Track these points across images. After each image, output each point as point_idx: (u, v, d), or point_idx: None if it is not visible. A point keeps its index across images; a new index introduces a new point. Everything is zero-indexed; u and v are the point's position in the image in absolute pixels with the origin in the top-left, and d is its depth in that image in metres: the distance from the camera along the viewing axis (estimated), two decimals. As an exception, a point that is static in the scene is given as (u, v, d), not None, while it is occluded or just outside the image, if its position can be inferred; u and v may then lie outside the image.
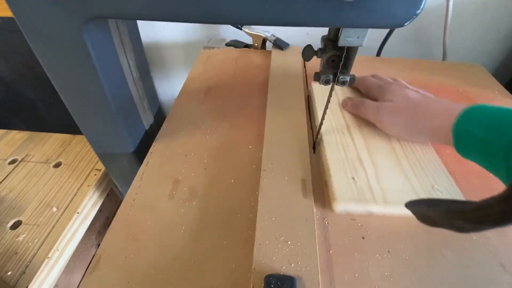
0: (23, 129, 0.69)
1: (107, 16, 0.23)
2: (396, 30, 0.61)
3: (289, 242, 0.27)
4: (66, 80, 0.29)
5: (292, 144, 0.37)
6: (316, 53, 0.30)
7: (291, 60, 0.56)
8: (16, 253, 0.46)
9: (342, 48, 0.28)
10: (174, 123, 0.42)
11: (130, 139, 0.36)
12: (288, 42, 0.59)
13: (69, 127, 0.80)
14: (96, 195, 0.58)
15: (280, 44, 0.58)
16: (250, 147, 0.39)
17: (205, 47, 0.61)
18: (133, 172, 0.37)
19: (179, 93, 0.48)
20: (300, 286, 0.24)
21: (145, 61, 0.39)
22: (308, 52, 0.30)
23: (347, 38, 0.25)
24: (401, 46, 0.65)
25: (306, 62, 0.57)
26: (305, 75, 0.53)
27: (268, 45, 0.62)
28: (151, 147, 0.38)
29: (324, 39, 0.30)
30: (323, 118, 0.35)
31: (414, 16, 0.22)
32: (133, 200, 0.31)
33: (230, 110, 0.45)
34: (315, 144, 0.38)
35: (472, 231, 0.16)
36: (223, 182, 0.34)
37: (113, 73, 0.31)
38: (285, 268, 0.25)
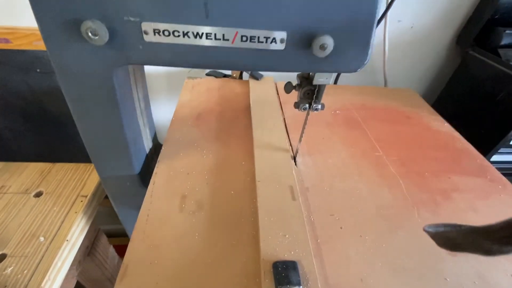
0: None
1: (139, 63, 0.29)
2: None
3: (287, 236, 0.34)
4: (89, 113, 0.33)
5: (278, 158, 0.45)
6: (294, 87, 0.39)
7: (266, 88, 0.65)
8: (5, 286, 0.45)
9: (315, 84, 0.37)
10: (172, 146, 0.47)
11: (136, 163, 0.41)
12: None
13: (41, 156, 0.79)
14: (83, 221, 0.59)
15: (255, 75, 0.67)
16: (243, 163, 0.45)
17: (189, 77, 0.68)
18: (135, 192, 0.41)
19: (172, 119, 0.53)
20: (300, 267, 0.30)
21: (147, 93, 0.44)
22: (288, 87, 0.39)
23: (319, 79, 0.34)
24: (352, 75, 0.80)
25: (279, 90, 0.66)
26: (279, 101, 0.63)
27: (245, 75, 0.71)
28: (155, 168, 0.42)
29: (300, 76, 0.40)
30: (301, 136, 0.44)
31: (363, 65, 0.32)
32: (147, 215, 0.36)
33: (220, 132, 0.51)
34: (295, 158, 0.47)
35: (500, 253, 0.14)
36: (225, 193, 0.40)
37: (129, 106, 0.36)
38: (286, 255, 0.32)
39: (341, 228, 0.37)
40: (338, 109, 0.62)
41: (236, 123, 0.54)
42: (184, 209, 0.37)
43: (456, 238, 0.16)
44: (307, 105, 0.38)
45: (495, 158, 0.65)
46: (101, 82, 0.30)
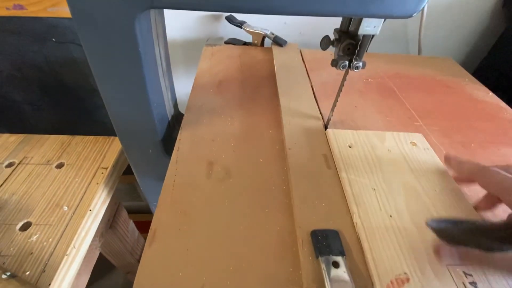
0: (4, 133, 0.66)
1: (163, 6, 0.25)
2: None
3: (324, 204, 0.31)
4: (110, 68, 0.30)
5: (308, 126, 0.41)
6: (332, 42, 0.35)
7: (290, 55, 0.60)
8: (32, 253, 0.45)
9: (357, 37, 0.33)
10: (194, 113, 0.44)
11: (159, 128, 0.38)
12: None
13: (58, 130, 0.78)
14: (105, 192, 0.58)
15: (279, 41, 0.63)
16: (270, 131, 0.42)
17: (208, 45, 0.64)
18: (157, 161, 0.39)
19: (193, 86, 0.50)
20: (341, 237, 0.28)
21: (168, 53, 0.41)
22: (325, 42, 0.35)
23: (366, 27, 0.29)
24: (382, 44, 0.73)
25: (304, 57, 0.62)
26: (305, 68, 0.58)
27: (266, 42, 0.66)
28: (179, 135, 0.40)
29: (338, 31, 0.35)
30: (336, 100, 0.40)
31: (420, 9, 0.27)
32: (174, 181, 0.34)
33: (244, 100, 0.48)
34: (326, 126, 0.43)
35: (500, 250, 0.15)
36: (253, 161, 0.37)
37: (151, 63, 0.33)
38: (324, 224, 0.29)
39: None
40: (370, 77, 0.57)
41: (260, 90, 0.51)
42: (211, 176, 0.35)
43: (458, 235, 0.16)
44: (346, 63, 0.34)
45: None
46: (123, 30, 0.27)
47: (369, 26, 0.29)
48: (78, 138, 0.67)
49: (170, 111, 0.44)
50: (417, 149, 0.38)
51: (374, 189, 0.32)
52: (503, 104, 0.53)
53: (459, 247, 0.16)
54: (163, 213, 0.30)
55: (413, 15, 0.27)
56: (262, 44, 0.66)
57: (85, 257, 0.57)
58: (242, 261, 0.27)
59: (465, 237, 0.16)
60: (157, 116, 0.37)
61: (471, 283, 0.24)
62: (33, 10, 0.62)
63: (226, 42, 0.68)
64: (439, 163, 0.37)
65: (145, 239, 1.01)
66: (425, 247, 0.27)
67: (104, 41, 0.28)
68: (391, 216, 0.29)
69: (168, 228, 0.29)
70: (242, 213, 0.31)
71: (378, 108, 0.48)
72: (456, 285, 0.24)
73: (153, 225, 0.29)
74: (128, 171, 0.62)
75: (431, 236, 0.26)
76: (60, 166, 0.60)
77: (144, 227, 0.96)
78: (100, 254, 0.73)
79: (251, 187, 0.34)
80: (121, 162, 0.65)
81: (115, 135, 0.66)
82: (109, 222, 0.73)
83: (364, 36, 0.31)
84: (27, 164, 0.60)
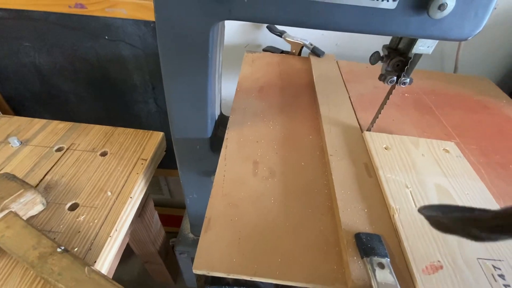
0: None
1: (238, 18, 0.28)
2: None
3: (366, 210, 0.33)
4: (179, 69, 0.33)
5: (349, 135, 0.43)
6: (382, 58, 0.37)
7: (329, 66, 0.63)
8: (79, 232, 0.49)
9: (407, 54, 0.35)
10: (239, 115, 0.47)
11: (210, 126, 0.41)
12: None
13: (99, 121, 0.84)
14: (143, 182, 0.62)
15: (317, 52, 0.65)
16: (310, 137, 0.44)
17: (248, 51, 0.67)
18: (202, 156, 0.42)
19: (237, 89, 0.53)
20: (384, 241, 0.29)
21: (222, 58, 0.44)
22: (374, 57, 0.37)
23: (420, 47, 0.31)
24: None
25: (341, 69, 0.63)
26: (342, 79, 0.60)
27: (303, 52, 0.69)
28: (226, 134, 0.43)
29: (386, 47, 0.37)
30: (379, 112, 0.42)
31: (476, 32, 0.29)
32: (224, 176, 0.36)
33: (284, 106, 0.51)
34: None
35: (489, 240, 0.15)
36: (295, 164, 0.39)
37: (214, 67, 0.36)
38: (367, 228, 0.31)
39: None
40: (406, 92, 0.58)
41: (299, 98, 0.53)
42: (257, 174, 0.37)
43: (448, 223, 0.16)
44: (394, 78, 0.36)
45: None
46: (198, 37, 0.30)
47: (423, 46, 0.31)
48: (120, 129, 0.71)
49: (217, 112, 0.47)
50: (450, 156, 0.40)
51: (409, 188, 0.34)
52: (542, 128, 0.52)
53: (450, 235, 0.16)
54: (216, 204, 0.33)
55: (469, 38, 0.29)
56: (300, 53, 0.69)
57: (121, 242, 0.61)
58: (289, 255, 0.29)
59: (455, 226, 0.16)
60: (209, 115, 0.40)
61: (499, 275, 0.26)
62: (92, 10, 0.67)
63: (265, 50, 0.71)
64: (471, 170, 0.38)
65: (165, 231, 1.05)
66: (457, 241, 0.29)
67: (180, 45, 0.31)
68: None
69: (221, 217, 0.32)
70: (287, 211, 0.33)
71: (415, 123, 0.49)
72: (486, 276, 0.26)
73: (207, 214, 0.32)
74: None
75: None
76: (104, 154, 0.64)
77: (163, 220, 1.00)
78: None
79: (294, 188, 0.36)
80: (158, 155, 0.69)
81: (148, 129, 0.70)
82: (139, 211, 0.77)
83: (415, 54, 0.33)
84: (74, 150, 0.65)
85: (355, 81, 0.59)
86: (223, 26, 0.39)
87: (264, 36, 0.74)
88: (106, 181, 0.58)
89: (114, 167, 0.61)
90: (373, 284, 0.25)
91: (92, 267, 0.41)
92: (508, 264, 0.28)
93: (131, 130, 0.72)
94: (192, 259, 0.87)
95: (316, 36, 0.72)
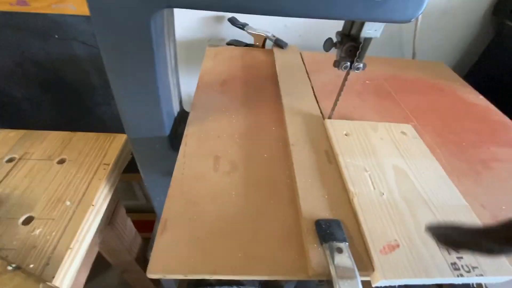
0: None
1: (179, 6, 0.27)
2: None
3: (326, 197, 0.33)
4: (123, 64, 0.31)
5: (310, 124, 0.43)
6: (334, 44, 0.37)
7: (291, 57, 0.62)
8: (35, 246, 0.46)
9: (358, 40, 0.35)
10: (200, 110, 0.46)
11: (167, 124, 0.40)
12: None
13: (57, 127, 0.78)
14: (107, 188, 0.58)
15: (280, 43, 0.65)
16: (273, 128, 0.44)
17: (210, 45, 0.66)
18: (163, 156, 0.40)
19: (198, 84, 0.51)
20: (343, 226, 0.29)
21: (176, 52, 0.42)
22: (328, 44, 0.37)
23: (367, 31, 0.31)
24: (379, 48, 0.76)
25: (304, 60, 0.64)
26: (306, 70, 0.60)
27: (267, 44, 0.68)
28: (185, 130, 0.41)
29: (340, 33, 0.37)
30: (337, 99, 0.42)
31: (419, 13, 0.29)
32: (182, 174, 0.35)
33: (247, 99, 0.50)
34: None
35: (501, 253, 0.14)
36: (258, 157, 0.39)
37: (162, 60, 0.34)
38: (328, 214, 0.31)
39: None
40: (367, 79, 0.59)
41: (262, 90, 0.53)
42: (218, 169, 0.36)
43: (458, 239, 0.16)
44: (348, 64, 0.36)
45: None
46: (139, 28, 0.28)
47: (370, 30, 0.31)
48: (79, 134, 0.67)
49: (176, 108, 0.45)
50: (407, 138, 0.41)
51: (368, 171, 0.35)
52: (492, 107, 0.56)
53: (460, 250, 0.16)
54: (174, 204, 0.31)
55: (412, 20, 0.29)
56: (263, 46, 0.68)
57: (85, 253, 0.58)
58: (251, 249, 0.28)
59: (465, 240, 0.16)
60: (165, 112, 0.38)
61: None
62: (36, 6, 0.62)
63: (228, 43, 0.70)
64: (427, 150, 0.40)
65: (142, 238, 1.01)
66: (414, 220, 0.30)
67: (120, 37, 0.29)
68: (383, 194, 0.33)
69: (179, 217, 0.30)
70: (248, 204, 0.32)
71: (376, 109, 0.50)
72: (440, 250, 0.27)
73: (164, 215, 0.30)
74: (126, 170, 0.63)
75: (420, 210, 0.31)
76: (61, 162, 0.60)
77: (140, 226, 0.96)
78: (97, 254, 0.73)
79: (256, 181, 0.35)
80: (122, 159, 0.66)
81: (114, 133, 0.67)
82: (108, 219, 0.73)
83: (365, 39, 0.34)
84: (28, 159, 0.60)
85: (318, 71, 0.59)
86: (171, 16, 0.37)
87: (227, 29, 0.73)
88: (64, 190, 0.55)
89: (74, 175, 0.57)
90: (331, 269, 0.25)
91: (48, 283, 0.38)
92: None
93: (92, 134, 0.68)
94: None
95: (278, 28, 0.72)
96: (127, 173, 0.60)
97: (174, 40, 0.40)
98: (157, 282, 1.17)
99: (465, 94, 0.59)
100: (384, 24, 0.31)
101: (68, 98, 0.80)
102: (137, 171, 0.64)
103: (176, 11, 0.48)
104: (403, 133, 0.42)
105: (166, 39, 0.35)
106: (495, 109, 0.55)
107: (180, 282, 1.15)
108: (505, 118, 0.53)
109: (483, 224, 0.15)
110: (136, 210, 1.26)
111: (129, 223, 0.88)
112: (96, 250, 0.69)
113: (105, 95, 0.80)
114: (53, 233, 0.47)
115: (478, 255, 0.16)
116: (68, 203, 0.52)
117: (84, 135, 0.67)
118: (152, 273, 0.26)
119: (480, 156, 0.44)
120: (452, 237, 0.17)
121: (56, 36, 0.67)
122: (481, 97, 0.58)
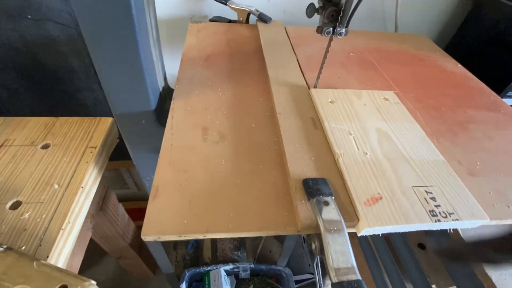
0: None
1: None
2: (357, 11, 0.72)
3: (313, 159, 0.34)
4: (103, 33, 0.30)
5: (296, 94, 0.44)
6: (317, 10, 0.37)
7: (275, 31, 0.62)
8: (25, 230, 0.45)
9: (340, 4, 0.35)
10: (185, 84, 0.45)
11: (152, 98, 0.39)
12: (270, 17, 0.65)
13: (37, 114, 0.76)
14: (95, 171, 0.58)
15: (264, 18, 0.64)
16: (260, 100, 0.44)
17: (193, 22, 0.64)
18: (150, 132, 0.40)
19: (182, 60, 0.51)
20: (329, 183, 0.31)
21: (157, 24, 0.41)
22: (310, 9, 0.37)
23: (348, -8, 0.32)
24: (362, 22, 0.77)
25: (289, 34, 0.63)
26: (290, 43, 0.60)
27: (251, 20, 0.67)
28: (172, 104, 0.41)
29: (322, -1, 0.37)
30: (321, 67, 0.42)
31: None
32: (171, 144, 0.35)
33: (233, 73, 0.50)
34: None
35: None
36: (245, 126, 0.39)
37: (143, 29, 0.33)
38: (314, 174, 0.32)
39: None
40: (351, 51, 0.60)
41: (248, 64, 0.52)
42: (207, 139, 0.36)
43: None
44: (331, 29, 0.37)
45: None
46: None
47: (351, -9, 0.32)
48: (62, 119, 0.65)
49: (161, 83, 0.45)
50: (389, 103, 0.43)
51: (352, 134, 0.37)
52: (469, 74, 0.58)
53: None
54: (164, 172, 0.32)
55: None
56: (247, 21, 0.67)
57: (78, 238, 0.58)
58: (242, 208, 0.29)
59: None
60: (149, 84, 0.38)
61: (431, 198, 0.30)
62: (4, -16, 0.58)
63: (211, 20, 0.68)
64: (408, 114, 0.42)
65: (135, 225, 1.01)
66: (395, 175, 0.32)
67: (97, 4, 0.28)
68: (366, 154, 0.34)
69: (169, 184, 0.31)
70: (239, 170, 0.33)
71: (359, 78, 0.51)
72: (419, 200, 0.30)
73: (154, 183, 0.31)
74: (114, 157, 0.63)
75: (401, 167, 0.33)
76: (45, 147, 0.59)
77: (131, 214, 0.96)
78: (91, 242, 0.73)
79: (245, 148, 0.36)
80: (109, 142, 0.65)
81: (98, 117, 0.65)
82: (99, 205, 0.73)
83: (346, 2, 0.34)
84: (10, 146, 0.58)
85: (303, 44, 0.60)
86: (150, -16, 0.36)
87: (209, 6, 0.71)
88: (51, 174, 0.54)
89: (60, 159, 0.56)
90: (318, 221, 0.26)
91: (42, 261, 0.39)
92: (438, 188, 0.31)
93: (76, 118, 0.66)
94: (162, 243, 0.85)
95: (262, 2, 0.71)
96: (117, 160, 0.59)
97: (154, 11, 0.39)
98: (153, 267, 1.19)
99: (445, 64, 0.60)
100: (364, -15, 0.31)
101: (47, 83, 0.77)
102: (125, 157, 0.64)
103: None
104: (386, 99, 0.44)
105: (146, 8, 0.34)
106: (472, 76, 0.57)
107: (177, 265, 1.17)
108: (481, 84, 0.55)
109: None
110: (130, 199, 1.26)
111: (121, 209, 0.88)
112: (89, 235, 0.69)
113: (86, 79, 0.77)
114: (43, 216, 0.47)
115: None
116: (56, 186, 0.52)
117: (68, 119, 0.66)
118: (147, 236, 0.26)
119: (458, 118, 0.46)
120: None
121: (29, 17, 0.64)
122: (460, 65, 0.60)
